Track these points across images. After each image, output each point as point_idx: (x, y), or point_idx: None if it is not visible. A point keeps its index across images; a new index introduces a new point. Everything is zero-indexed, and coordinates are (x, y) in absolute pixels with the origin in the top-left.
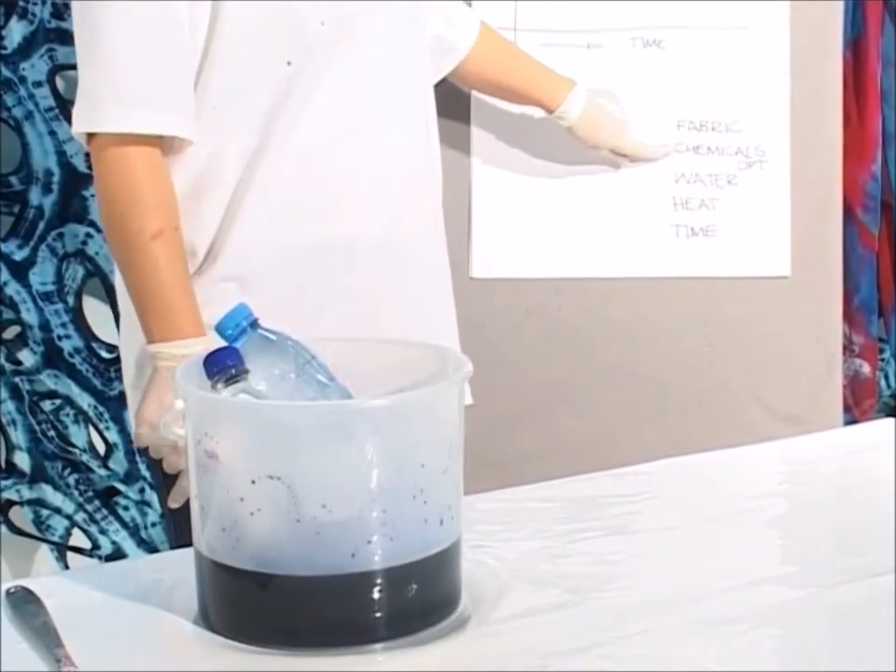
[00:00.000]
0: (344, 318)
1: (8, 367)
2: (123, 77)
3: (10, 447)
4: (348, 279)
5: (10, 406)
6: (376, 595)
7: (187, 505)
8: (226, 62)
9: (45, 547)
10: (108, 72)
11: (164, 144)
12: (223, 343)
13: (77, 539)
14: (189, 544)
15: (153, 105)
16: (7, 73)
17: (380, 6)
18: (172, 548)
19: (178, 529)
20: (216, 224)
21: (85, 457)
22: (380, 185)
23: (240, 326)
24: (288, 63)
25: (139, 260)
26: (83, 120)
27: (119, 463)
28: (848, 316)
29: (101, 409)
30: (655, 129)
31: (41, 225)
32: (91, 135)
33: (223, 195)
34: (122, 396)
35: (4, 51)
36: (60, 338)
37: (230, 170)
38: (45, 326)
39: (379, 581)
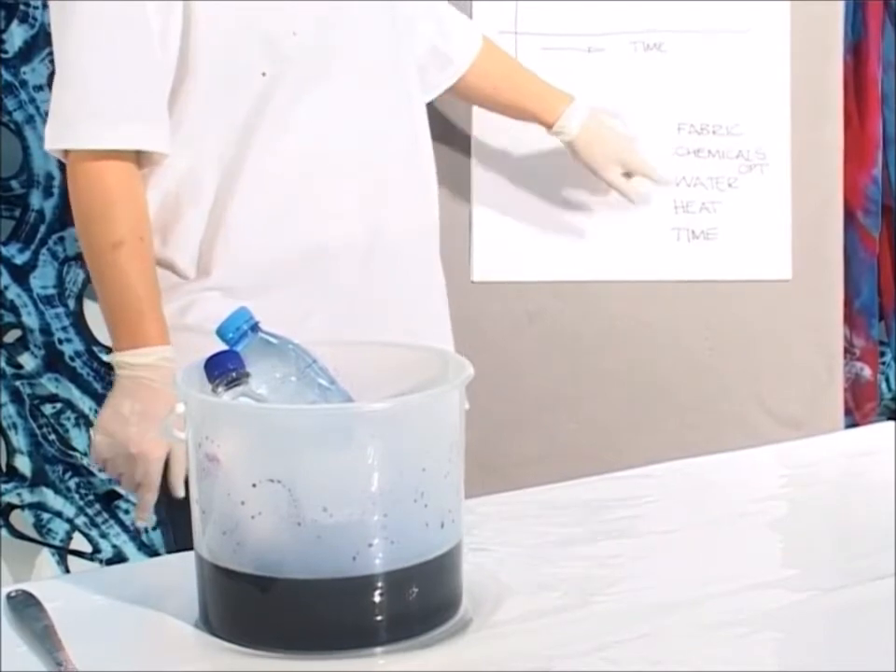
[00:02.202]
0: (331, 324)
1: (9, 370)
2: (95, 93)
3: (11, 451)
4: (334, 287)
5: (11, 410)
6: (377, 599)
7: (182, 512)
8: (200, 75)
9: (46, 551)
10: (80, 88)
11: (140, 157)
12: (179, 355)
13: (78, 542)
14: (185, 550)
15: (125, 119)
16: (7, 76)
17: (357, 15)
18: (169, 553)
19: (175, 536)
20: (198, 236)
21: (86, 461)
22: (363, 194)
23: (241, 329)
24: (263, 74)
25: (102, 270)
26: (56, 138)
27: None
28: (849, 319)
29: None
30: (656, 132)
31: (42, 228)
32: (66, 150)
33: (204, 207)
34: None
35: (5, 55)
36: (61, 341)
37: (209, 182)
38: (46, 329)
39: (380, 584)
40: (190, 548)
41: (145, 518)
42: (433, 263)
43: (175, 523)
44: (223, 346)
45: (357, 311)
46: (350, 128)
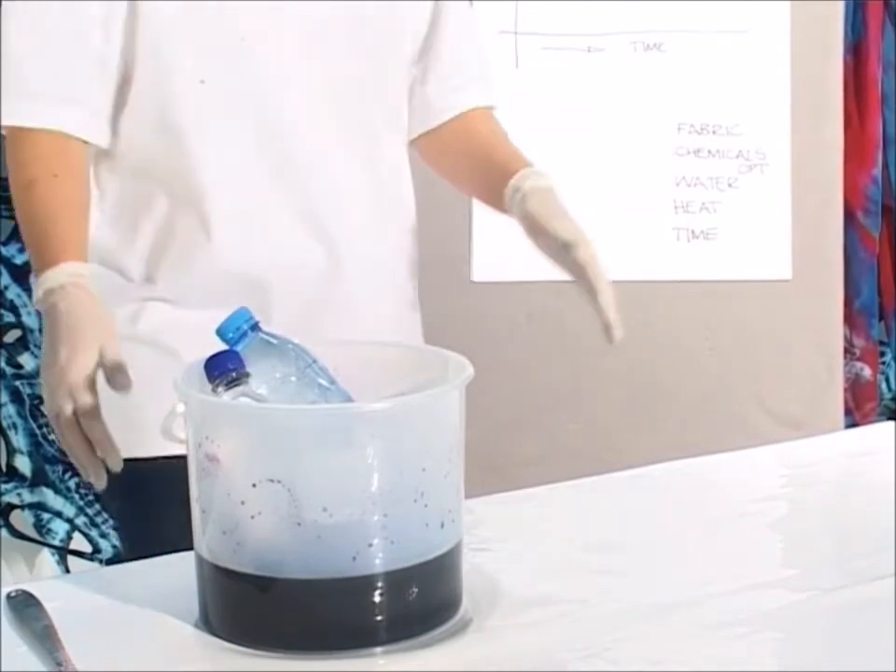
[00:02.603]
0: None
1: (9, 370)
2: (23, 71)
3: (11, 451)
4: (285, 304)
5: (11, 410)
6: (377, 599)
7: (139, 521)
8: (143, 80)
9: (46, 551)
10: (10, 66)
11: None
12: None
13: (78, 542)
14: (139, 557)
15: (53, 100)
16: None
17: (307, 24)
18: (122, 560)
19: (130, 543)
20: (148, 240)
21: None
22: (305, 211)
23: (241, 329)
24: (202, 82)
25: (19, 213)
26: None
27: None
28: (849, 320)
29: None
30: (656, 132)
31: None
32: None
33: (157, 211)
34: None
35: None
36: None
37: (160, 193)
38: None
39: (380, 584)
40: (139, 546)
41: (100, 478)
42: (400, 280)
43: (123, 518)
44: (170, 359)
45: (312, 326)
46: (291, 141)
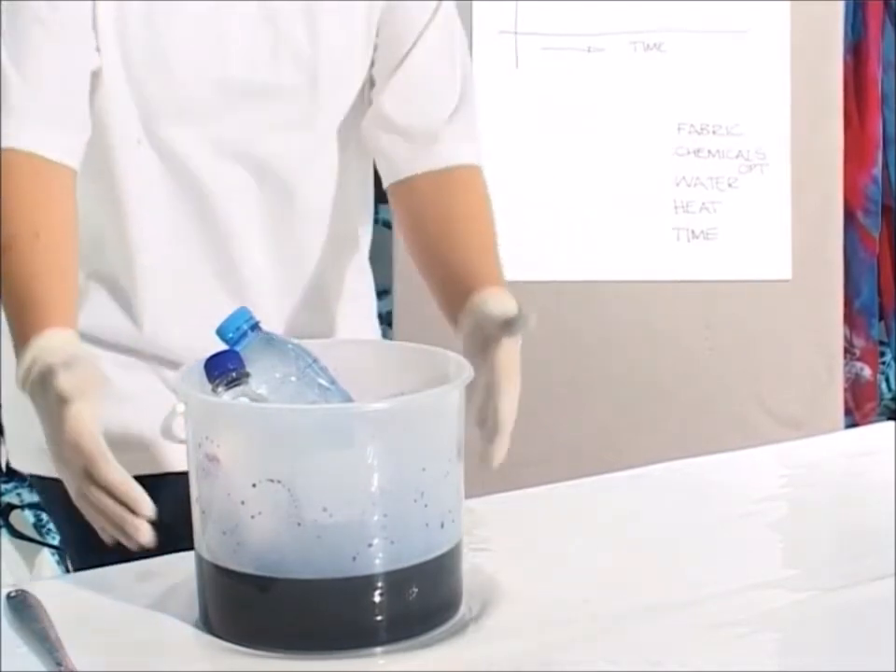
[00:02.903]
0: None
1: None
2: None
3: None
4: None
5: None
6: (377, 599)
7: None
8: (94, 132)
9: (46, 551)
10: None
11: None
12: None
13: None
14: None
15: (30, 120)
16: None
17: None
18: (68, 571)
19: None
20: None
21: None
22: (234, 291)
23: (241, 329)
24: (139, 142)
25: None
26: None
27: None
28: (849, 319)
29: None
30: (656, 132)
31: None
32: None
33: (114, 255)
34: None
35: None
36: None
37: (112, 238)
38: None
39: (380, 584)
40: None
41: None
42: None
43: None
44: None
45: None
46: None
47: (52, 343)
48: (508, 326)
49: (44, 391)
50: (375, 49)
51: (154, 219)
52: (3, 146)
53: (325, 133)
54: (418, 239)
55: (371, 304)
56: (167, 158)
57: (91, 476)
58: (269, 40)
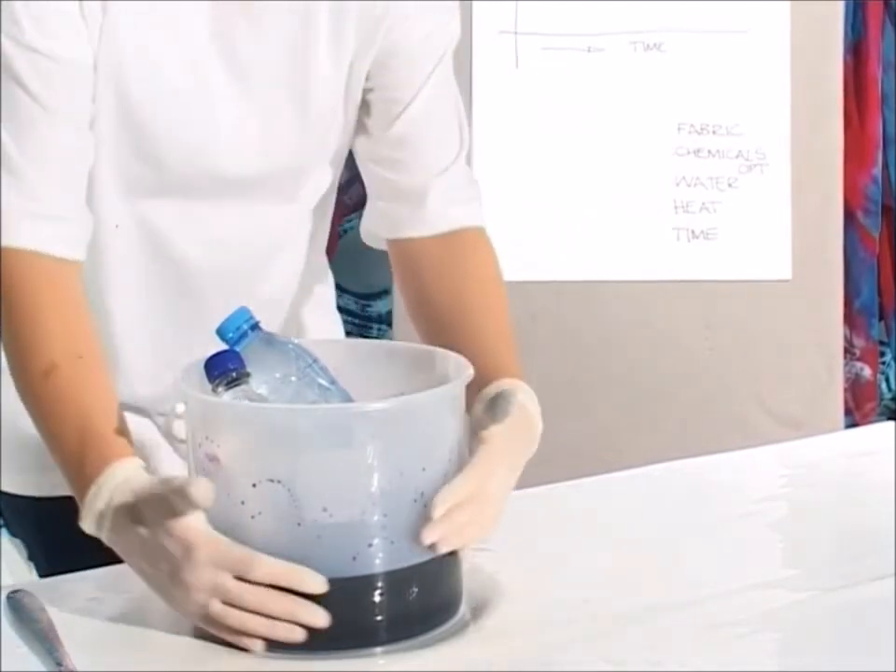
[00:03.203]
0: None
1: None
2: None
3: None
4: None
5: None
6: (377, 599)
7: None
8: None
9: None
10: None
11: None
12: None
13: None
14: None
15: (33, 216)
16: None
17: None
18: (42, 575)
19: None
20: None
21: None
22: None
23: (241, 329)
24: (116, 226)
25: (33, 402)
26: None
27: None
28: (849, 319)
29: None
30: (656, 132)
31: None
32: None
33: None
34: None
35: None
36: None
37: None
38: None
39: (380, 584)
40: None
41: None
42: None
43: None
44: None
45: None
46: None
47: (128, 475)
48: (492, 408)
49: (134, 523)
50: (367, 105)
51: (129, 292)
52: (15, 245)
53: (308, 202)
54: (425, 315)
55: (330, 299)
56: (144, 231)
57: (242, 579)
58: (258, 132)
